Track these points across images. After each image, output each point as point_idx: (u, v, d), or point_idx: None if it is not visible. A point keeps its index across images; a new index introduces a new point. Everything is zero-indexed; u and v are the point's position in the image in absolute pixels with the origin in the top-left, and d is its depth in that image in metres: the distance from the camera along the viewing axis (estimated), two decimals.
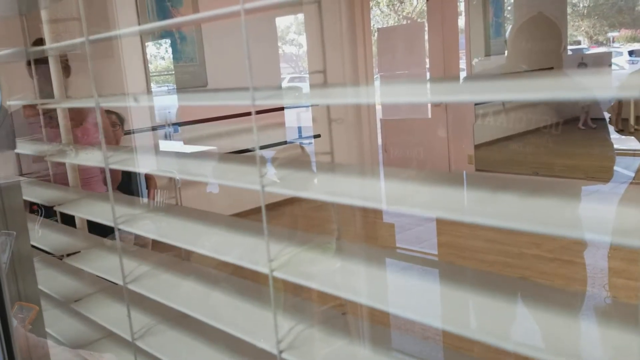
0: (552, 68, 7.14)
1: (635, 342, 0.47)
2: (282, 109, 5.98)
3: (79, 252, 1.11)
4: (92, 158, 0.94)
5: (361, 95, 0.68)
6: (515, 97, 0.53)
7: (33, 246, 1.11)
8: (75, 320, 1.04)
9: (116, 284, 0.91)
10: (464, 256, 4.13)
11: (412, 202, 0.54)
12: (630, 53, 8.36)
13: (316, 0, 0.63)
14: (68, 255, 1.12)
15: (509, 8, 7.32)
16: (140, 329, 0.87)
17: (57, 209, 1.04)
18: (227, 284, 0.85)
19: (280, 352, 0.64)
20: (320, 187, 0.61)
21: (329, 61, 6.13)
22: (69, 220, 1.29)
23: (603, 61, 6.93)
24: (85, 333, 1.01)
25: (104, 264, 0.97)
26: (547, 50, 6.39)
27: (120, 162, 0.84)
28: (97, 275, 0.96)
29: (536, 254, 4.00)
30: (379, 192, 0.60)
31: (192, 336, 0.84)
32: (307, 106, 6.34)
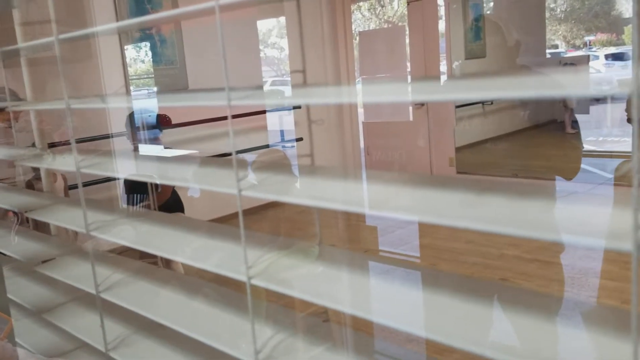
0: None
1: (619, 346, 0.46)
2: (264, 112, 5.95)
3: (53, 259, 1.08)
4: (65, 162, 0.91)
5: (343, 95, 0.67)
6: (494, 96, 0.52)
7: (2, 253, 1.07)
8: (48, 331, 1.00)
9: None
10: (445, 258, 4.15)
11: (395, 206, 0.53)
12: (607, 57, 8.51)
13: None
14: (43, 262, 1.08)
15: (489, 12, 7.40)
16: (114, 340, 0.84)
17: (29, 215, 1.01)
18: (206, 291, 0.83)
19: None
20: (300, 191, 0.59)
21: (310, 65, 6.12)
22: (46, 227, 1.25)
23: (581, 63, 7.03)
24: (58, 344, 0.97)
25: (78, 271, 0.94)
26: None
27: (92, 166, 0.81)
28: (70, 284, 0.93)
29: (516, 255, 4.03)
30: (361, 195, 0.59)
31: (168, 346, 0.82)
32: (289, 109, 6.33)
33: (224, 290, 0.80)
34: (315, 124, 5.82)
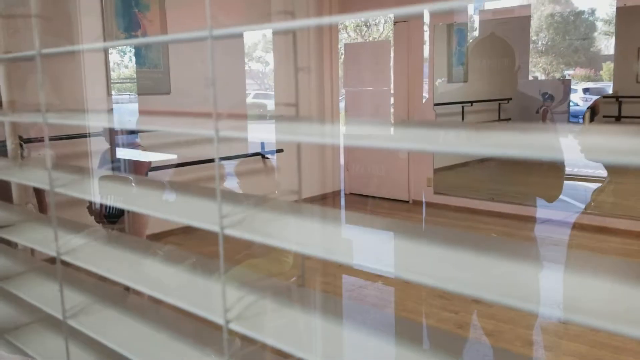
0: (510, 99, 7.36)
1: None
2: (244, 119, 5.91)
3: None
4: (35, 177, 0.87)
5: (326, 135, 0.66)
6: (474, 152, 0.51)
7: None
8: (9, 349, 0.96)
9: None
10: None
11: (377, 260, 0.52)
12: (585, 91, 8.72)
13: (290, 32, 0.60)
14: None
15: (469, 45, 7.52)
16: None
17: None
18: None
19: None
20: (281, 233, 0.58)
21: (294, 78, 6.12)
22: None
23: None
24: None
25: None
26: (501, 68, 6.66)
27: (65, 185, 0.78)
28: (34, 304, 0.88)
29: None
30: (341, 242, 0.58)
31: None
32: (272, 121, 6.29)
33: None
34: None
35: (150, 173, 4.17)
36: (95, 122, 0.71)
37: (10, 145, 1.11)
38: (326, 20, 0.49)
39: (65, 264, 0.82)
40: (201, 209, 0.65)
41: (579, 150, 0.47)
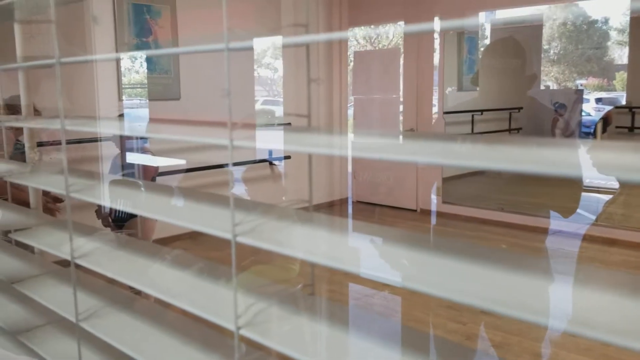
0: (521, 108, 7.34)
1: None
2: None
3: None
4: (50, 182, 0.89)
5: (334, 147, 0.67)
6: (485, 166, 0.52)
7: None
8: (22, 351, 0.97)
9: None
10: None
11: (383, 269, 0.52)
12: (597, 100, 8.67)
13: (304, 44, 0.61)
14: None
15: (483, 49, 7.50)
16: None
17: (12, 236, 0.98)
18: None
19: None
20: (292, 242, 0.58)
21: (304, 84, 6.13)
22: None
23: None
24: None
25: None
26: (513, 76, 6.64)
27: (80, 190, 0.80)
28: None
29: None
30: (349, 252, 0.58)
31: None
32: (280, 128, 6.30)
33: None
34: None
35: (158, 178, 4.20)
36: (111, 130, 0.73)
37: (28, 149, 1.13)
38: (336, 35, 0.50)
39: (78, 266, 0.84)
40: (213, 216, 0.66)
41: (590, 164, 0.48)
